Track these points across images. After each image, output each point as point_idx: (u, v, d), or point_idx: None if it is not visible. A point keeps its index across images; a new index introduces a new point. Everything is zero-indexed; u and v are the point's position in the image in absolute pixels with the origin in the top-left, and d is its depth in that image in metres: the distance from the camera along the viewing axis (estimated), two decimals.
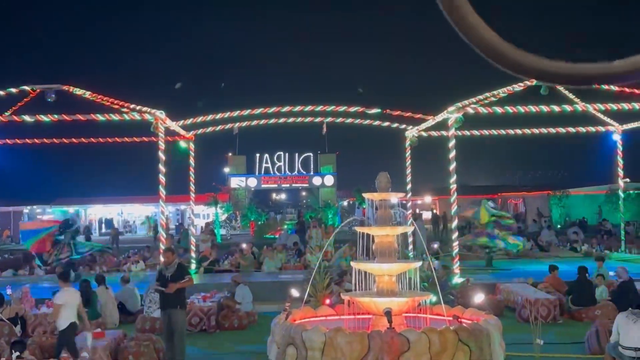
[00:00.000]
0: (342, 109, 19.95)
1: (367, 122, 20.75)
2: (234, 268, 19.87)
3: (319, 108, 19.92)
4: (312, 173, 43.11)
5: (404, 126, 20.76)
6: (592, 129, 21.71)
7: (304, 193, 56.34)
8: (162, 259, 11.43)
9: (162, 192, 17.37)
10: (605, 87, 17.50)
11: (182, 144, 20.66)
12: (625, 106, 17.66)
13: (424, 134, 20.84)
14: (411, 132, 20.63)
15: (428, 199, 47.87)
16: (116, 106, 17.15)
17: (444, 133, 18.22)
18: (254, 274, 19.27)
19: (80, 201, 48.41)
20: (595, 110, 18.71)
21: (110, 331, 11.49)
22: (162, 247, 17.21)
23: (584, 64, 1.27)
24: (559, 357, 10.15)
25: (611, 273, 15.08)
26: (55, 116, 17.16)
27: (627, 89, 17.52)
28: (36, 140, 21.09)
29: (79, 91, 16.84)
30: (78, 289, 13.39)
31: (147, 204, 45.34)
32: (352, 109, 20.00)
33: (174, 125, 18.73)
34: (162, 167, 17.24)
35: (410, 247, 19.91)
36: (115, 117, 17.04)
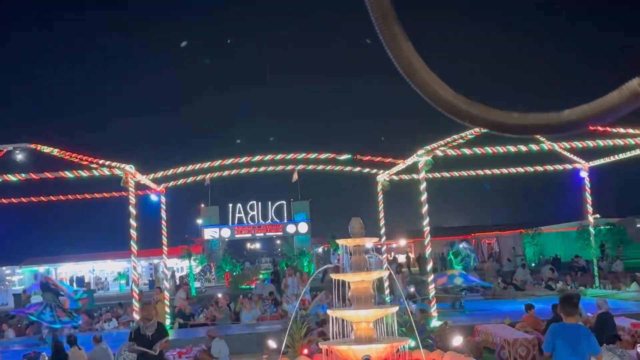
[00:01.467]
0: (312, 155, 20.01)
1: (338, 168, 20.83)
2: (209, 321, 19.53)
3: (290, 156, 19.98)
4: (285, 221, 42.99)
5: (374, 171, 20.89)
6: (559, 167, 22.07)
7: (278, 241, 56.05)
8: (137, 316, 10.75)
9: (134, 247, 17.12)
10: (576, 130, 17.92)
11: (153, 197, 20.48)
12: (590, 144, 18.02)
13: (395, 177, 20.97)
14: (382, 177, 20.76)
15: (403, 242, 47.98)
16: (85, 162, 16.97)
17: (415, 176, 18.35)
18: (231, 326, 18.95)
19: (50, 260, 47.54)
20: (561, 148, 19.05)
21: None
22: (135, 304, 16.88)
23: (534, 114, 1.29)
24: None
25: (587, 313, 15.11)
26: (23, 175, 16.94)
27: (591, 127, 17.91)
28: (4, 200, 20.73)
29: (46, 149, 16.66)
30: (49, 351, 13.07)
31: (119, 259, 44.68)
32: (323, 156, 20.08)
33: (144, 179, 18.58)
34: (133, 222, 17.02)
35: (387, 291, 19.81)
36: (84, 173, 16.87)
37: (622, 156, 20.48)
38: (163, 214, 20.49)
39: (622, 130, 18.09)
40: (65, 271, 48.98)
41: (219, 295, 22.43)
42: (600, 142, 17.99)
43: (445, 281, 19.98)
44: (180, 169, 19.44)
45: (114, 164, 16.71)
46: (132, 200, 16.93)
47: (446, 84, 1.27)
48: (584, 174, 22.14)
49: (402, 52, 1.24)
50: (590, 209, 22.57)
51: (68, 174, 16.89)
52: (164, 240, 20.73)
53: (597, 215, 25.82)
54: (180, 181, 20.78)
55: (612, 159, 21.05)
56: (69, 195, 21.35)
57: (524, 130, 1.30)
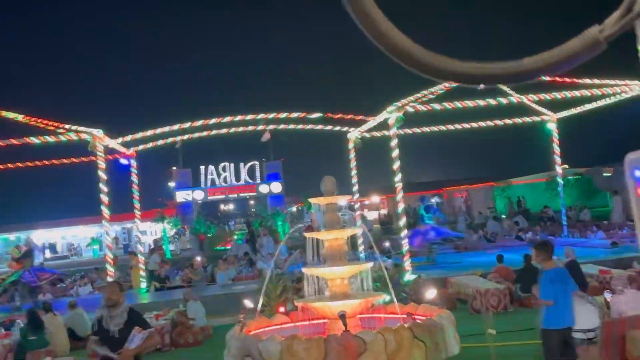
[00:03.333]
0: (283, 115, 19.93)
1: (310, 127, 20.79)
2: (185, 284, 19.60)
3: (260, 116, 19.87)
4: (258, 181, 42.91)
5: (346, 129, 20.90)
6: (528, 119, 22.29)
7: (252, 202, 56.00)
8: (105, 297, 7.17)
9: (106, 212, 17.01)
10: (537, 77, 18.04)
11: (123, 161, 20.27)
12: (558, 95, 18.21)
13: (366, 135, 21.01)
14: (354, 134, 20.78)
15: (376, 199, 48.28)
16: (51, 127, 16.69)
17: (386, 133, 18.42)
18: (207, 287, 19.05)
19: (21, 227, 46.97)
20: (529, 101, 19.22)
21: (61, 358, 11.17)
22: (109, 268, 16.84)
23: (494, 63, 1.29)
24: (512, 345, 10.35)
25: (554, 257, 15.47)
26: None
27: (558, 79, 18.07)
28: None
29: (11, 115, 16.31)
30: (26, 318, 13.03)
31: (91, 225, 44.34)
32: (294, 115, 20.00)
33: (113, 143, 18.35)
34: (103, 187, 16.88)
35: (361, 248, 20.03)
36: (51, 138, 16.61)
37: (588, 107, 20.75)
38: (134, 178, 20.34)
39: (588, 81, 18.28)
40: (36, 238, 48.50)
41: (198, 258, 22.43)
42: (567, 94, 18.20)
43: (420, 241, 20.21)
44: (150, 132, 19.21)
45: (81, 128, 16.46)
46: (102, 164, 16.76)
47: (404, 35, 1.26)
48: (551, 126, 22.41)
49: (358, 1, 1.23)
50: (558, 160, 22.92)
51: (34, 140, 16.63)
52: (136, 205, 20.62)
53: (565, 166, 26.24)
54: (151, 144, 20.58)
55: (579, 109, 21.31)
56: (37, 162, 21.02)
57: (486, 80, 1.30)
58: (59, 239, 48.98)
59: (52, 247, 48.05)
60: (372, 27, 1.25)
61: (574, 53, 1.29)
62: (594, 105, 20.43)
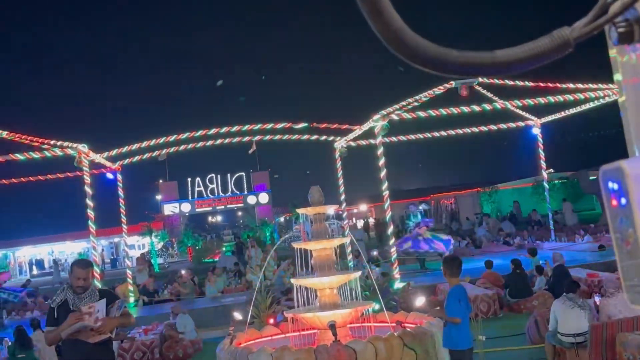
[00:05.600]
0: (269, 126, 19.92)
1: (296, 137, 20.79)
2: (174, 297, 19.48)
3: (246, 127, 19.84)
4: (246, 192, 42.85)
5: (332, 138, 20.91)
6: (512, 125, 22.41)
7: (239, 213, 55.88)
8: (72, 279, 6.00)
9: (92, 226, 16.90)
10: (521, 83, 18.17)
11: (109, 175, 20.15)
12: (542, 100, 18.32)
13: (352, 144, 21.03)
14: (340, 143, 20.80)
15: (364, 207, 48.32)
16: (36, 144, 16.58)
17: (372, 141, 18.43)
18: (196, 300, 18.95)
19: (7, 244, 46.56)
20: (513, 106, 19.33)
21: None
22: (97, 284, 16.72)
23: (470, 52, 1.29)
24: (501, 351, 10.36)
25: (542, 261, 15.55)
26: None
27: (541, 84, 18.20)
28: None
29: None
30: (11, 336, 12.90)
31: (78, 240, 44.04)
32: (280, 126, 19.99)
33: (98, 158, 18.27)
34: (89, 202, 16.79)
35: (350, 257, 20.01)
36: (36, 154, 16.51)
37: (572, 111, 20.90)
38: (120, 192, 20.22)
39: (571, 85, 18.43)
40: (23, 254, 48.14)
41: (183, 271, 22.32)
42: (551, 99, 18.31)
43: (409, 245, 20.15)
44: (135, 146, 19.12)
45: (66, 144, 16.38)
46: (87, 179, 16.67)
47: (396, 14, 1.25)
48: (536, 131, 22.55)
49: None
50: (543, 164, 23.07)
51: (19, 157, 16.51)
52: (123, 219, 20.49)
53: (551, 170, 26.40)
54: (136, 158, 20.48)
55: (563, 114, 21.46)
56: (22, 178, 20.88)
57: (459, 69, 1.29)
58: (46, 255, 48.56)
59: (39, 264, 47.63)
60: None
61: (543, 51, 1.30)
62: (578, 109, 20.58)
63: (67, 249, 48.32)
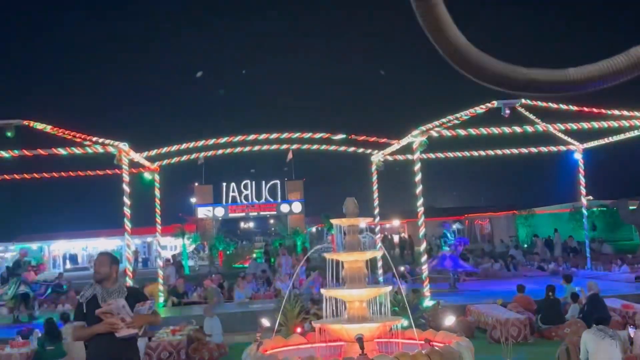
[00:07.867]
0: (307, 135, 19.96)
1: (333, 148, 20.78)
2: (202, 300, 19.57)
3: (284, 135, 19.92)
4: (279, 200, 42.95)
5: (369, 151, 20.86)
6: (554, 148, 22.07)
7: (272, 221, 56.03)
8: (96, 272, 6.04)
9: (128, 225, 17.12)
10: (565, 107, 17.88)
11: (147, 175, 20.39)
12: (585, 125, 18.01)
13: (389, 158, 20.95)
14: (377, 157, 20.73)
15: (396, 222, 48.07)
16: (78, 139, 16.88)
17: (409, 156, 18.33)
18: (224, 305, 19.02)
19: (43, 237, 47.40)
20: (555, 130, 19.03)
21: None
22: (128, 282, 16.91)
23: (540, 69, 1.26)
24: None
25: (577, 288, 15.22)
26: (16, 152, 16.85)
27: (586, 109, 17.90)
28: None
29: (39, 125, 16.54)
30: (42, 328, 13.10)
31: (112, 237, 44.61)
32: (317, 135, 20.03)
33: (138, 157, 18.52)
34: (126, 200, 17.00)
35: (380, 271, 19.89)
36: (78, 150, 16.80)
37: (616, 138, 20.49)
38: (157, 192, 20.43)
39: (616, 112, 18.08)
40: (58, 248, 48.93)
41: (207, 280, 22.20)
42: (595, 124, 17.99)
43: (435, 263, 20.11)
44: (175, 148, 19.35)
45: (107, 141, 16.64)
46: (126, 178, 16.90)
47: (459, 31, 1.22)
48: (578, 156, 22.16)
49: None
50: (583, 190, 22.63)
51: (61, 151, 16.84)
52: (158, 219, 20.69)
53: (590, 197, 25.89)
54: (175, 159, 20.72)
55: (606, 141, 21.06)
56: (62, 173, 21.27)
57: (528, 86, 1.26)
58: (80, 250, 49.31)
59: (73, 258, 48.39)
60: (433, 20, 1.21)
61: (619, 69, 1.26)
62: (621, 136, 20.18)
63: (101, 246, 48.98)
